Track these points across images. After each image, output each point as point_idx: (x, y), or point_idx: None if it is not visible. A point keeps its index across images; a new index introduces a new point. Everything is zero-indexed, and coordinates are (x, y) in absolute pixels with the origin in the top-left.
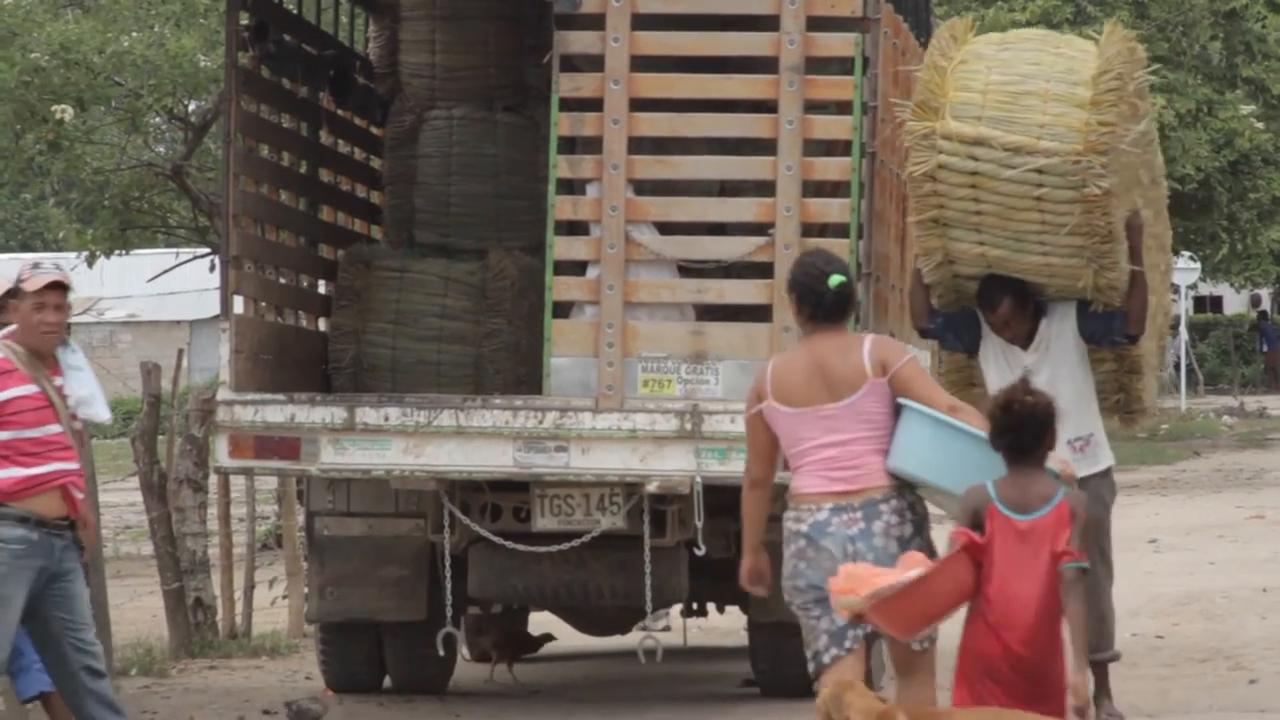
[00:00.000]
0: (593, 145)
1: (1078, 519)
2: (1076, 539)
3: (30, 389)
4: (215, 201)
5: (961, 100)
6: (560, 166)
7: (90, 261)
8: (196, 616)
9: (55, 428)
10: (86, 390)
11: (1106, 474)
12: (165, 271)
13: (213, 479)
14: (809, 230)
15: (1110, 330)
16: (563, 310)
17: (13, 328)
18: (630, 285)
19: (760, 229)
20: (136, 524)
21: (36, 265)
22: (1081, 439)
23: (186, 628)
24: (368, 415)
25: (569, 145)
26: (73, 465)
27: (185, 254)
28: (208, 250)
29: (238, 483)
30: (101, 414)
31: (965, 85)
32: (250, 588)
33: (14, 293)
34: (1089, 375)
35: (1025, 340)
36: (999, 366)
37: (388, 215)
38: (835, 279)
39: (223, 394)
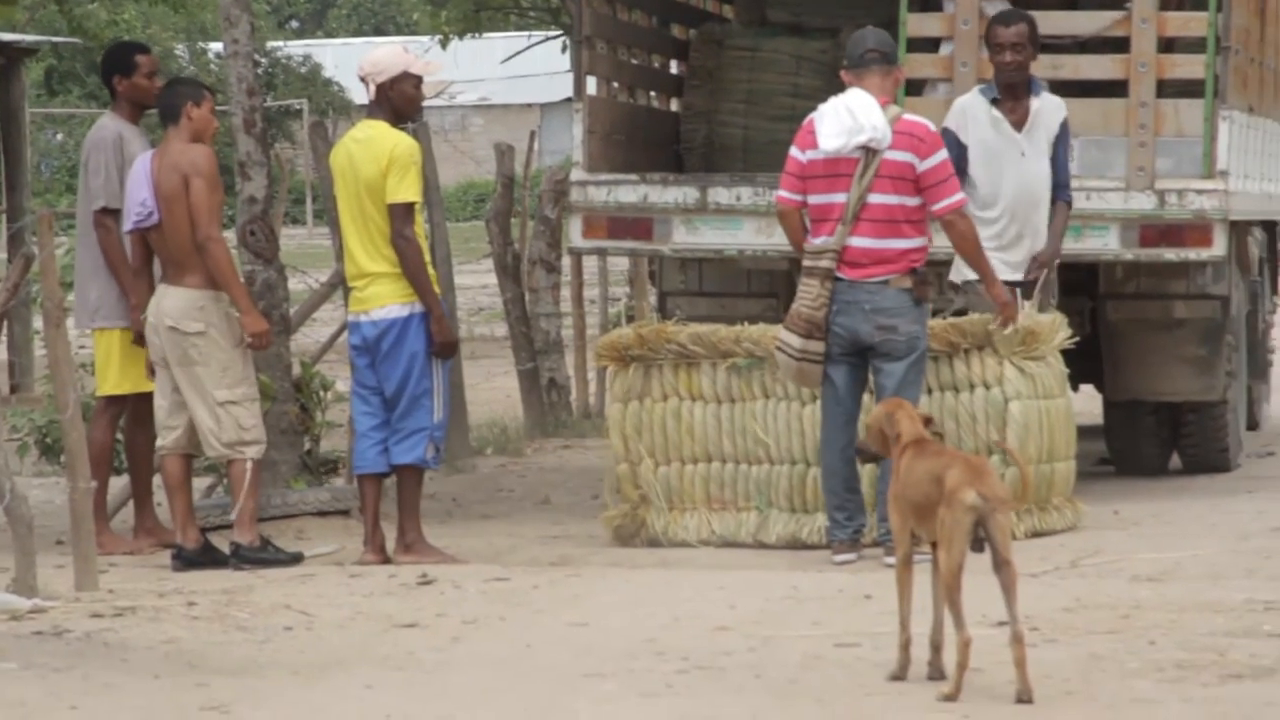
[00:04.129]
0: None
1: None
2: None
3: None
4: None
5: None
6: None
7: (443, 44)
8: (550, 396)
9: None
10: None
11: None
12: (517, 54)
13: (566, 260)
14: (1166, 4)
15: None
16: (915, 88)
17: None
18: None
19: (1117, 3)
20: (489, 305)
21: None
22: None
23: (541, 407)
24: (720, 195)
25: None
26: None
27: (537, 36)
28: (560, 32)
29: (590, 263)
30: None
31: None
32: (603, 368)
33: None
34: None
35: (1019, 123)
36: (987, 154)
37: None
38: None
39: (576, 175)
